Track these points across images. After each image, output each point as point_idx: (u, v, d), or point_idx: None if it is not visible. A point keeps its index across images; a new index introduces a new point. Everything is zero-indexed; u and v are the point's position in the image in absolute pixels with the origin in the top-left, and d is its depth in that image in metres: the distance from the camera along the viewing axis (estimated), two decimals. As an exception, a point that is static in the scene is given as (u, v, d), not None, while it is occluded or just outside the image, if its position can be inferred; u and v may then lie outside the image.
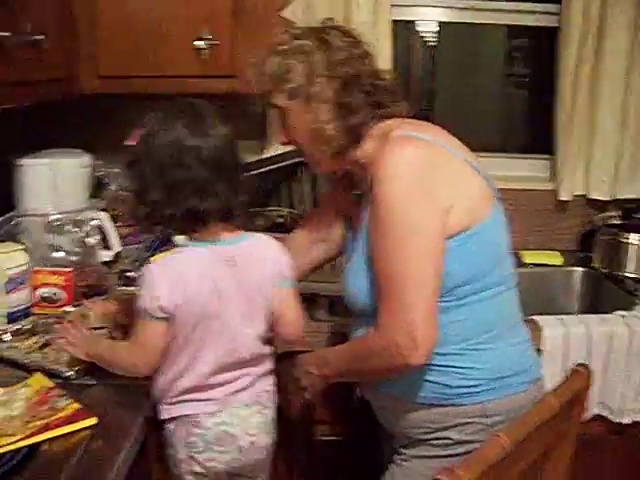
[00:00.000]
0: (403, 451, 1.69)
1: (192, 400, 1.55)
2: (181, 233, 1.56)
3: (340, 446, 1.97)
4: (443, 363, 1.57)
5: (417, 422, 1.63)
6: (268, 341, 1.64)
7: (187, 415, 1.55)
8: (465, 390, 1.57)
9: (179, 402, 1.56)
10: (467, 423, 1.58)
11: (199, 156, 1.47)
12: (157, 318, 1.47)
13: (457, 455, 1.56)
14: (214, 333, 1.52)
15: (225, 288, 1.51)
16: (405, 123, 1.66)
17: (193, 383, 1.54)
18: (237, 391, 1.58)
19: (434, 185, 1.52)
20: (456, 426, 1.58)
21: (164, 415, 1.57)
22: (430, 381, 1.58)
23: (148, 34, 2.20)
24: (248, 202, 1.57)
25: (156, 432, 1.61)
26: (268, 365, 1.65)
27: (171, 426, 1.58)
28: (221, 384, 1.56)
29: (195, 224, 1.52)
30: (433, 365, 1.56)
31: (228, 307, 1.52)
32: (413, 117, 1.69)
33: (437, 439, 1.61)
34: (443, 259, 1.51)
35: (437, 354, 1.54)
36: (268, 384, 1.66)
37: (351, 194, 1.79)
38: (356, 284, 1.66)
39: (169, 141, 1.48)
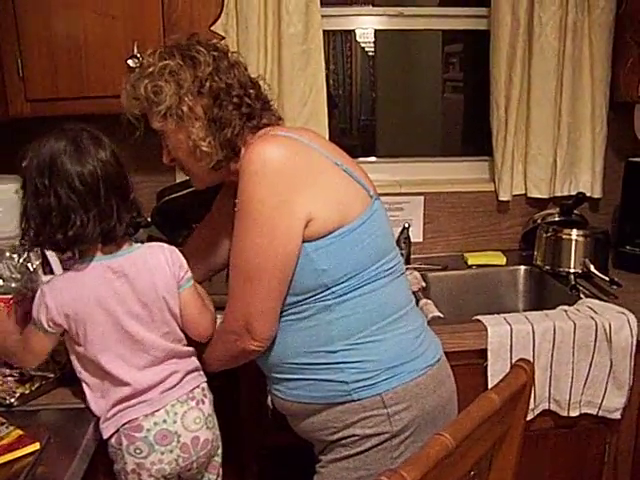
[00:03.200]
0: (320, 457, 1.73)
1: (128, 407, 1.61)
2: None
3: (291, 452, 1.97)
4: (335, 360, 1.61)
5: (321, 424, 1.67)
6: (187, 340, 1.73)
7: (128, 422, 1.60)
8: (361, 384, 1.61)
9: (117, 413, 1.60)
10: (368, 417, 1.61)
11: (70, 184, 1.51)
12: (46, 331, 1.56)
13: (365, 451, 1.62)
14: (119, 340, 1.59)
15: (118, 297, 1.58)
16: (279, 127, 1.73)
17: (124, 392, 1.60)
18: (169, 389, 1.65)
19: (293, 185, 1.55)
20: (359, 421, 1.62)
21: (107, 432, 1.61)
22: (325, 380, 1.63)
23: (76, 55, 2.17)
24: (136, 218, 1.64)
25: (103, 453, 1.62)
26: (194, 363, 1.74)
27: (114, 440, 1.62)
28: (152, 386, 1.63)
29: (69, 248, 1.59)
30: (325, 364, 1.62)
31: (125, 315, 1.59)
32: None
33: (344, 438, 1.64)
34: (292, 260, 1.57)
35: (328, 352, 1.61)
36: (200, 380, 1.73)
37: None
38: None
39: (43, 166, 1.52)
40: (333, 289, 1.59)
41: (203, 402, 1.70)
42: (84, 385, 1.63)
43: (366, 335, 1.62)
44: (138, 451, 1.60)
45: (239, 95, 1.66)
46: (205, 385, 1.74)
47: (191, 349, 1.73)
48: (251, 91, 1.70)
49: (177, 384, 1.66)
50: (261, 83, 1.77)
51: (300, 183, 1.56)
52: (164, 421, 1.62)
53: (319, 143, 1.67)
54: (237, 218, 1.60)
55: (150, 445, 1.60)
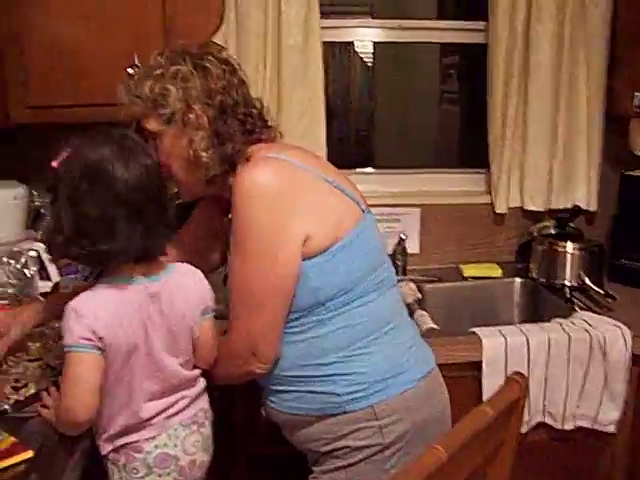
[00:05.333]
0: (313, 469, 1.73)
1: (131, 431, 1.55)
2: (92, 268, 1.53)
3: (284, 462, 1.96)
4: (328, 372, 1.62)
5: (314, 435, 1.68)
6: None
7: (128, 442, 1.55)
8: (353, 396, 1.61)
9: (119, 434, 1.55)
10: (360, 429, 1.62)
11: (118, 192, 1.42)
12: (89, 350, 1.42)
13: (357, 462, 1.63)
14: (142, 365, 1.52)
15: (150, 322, 1.51)
16: (270, 146, 1.70)
17: (131, 419, 1.53)
18: (174, 414, 1.60)
19: (289, 207, 1.56)
20: (351, 433, 1.62)
21: (105, 449, 1.56)
22: (318, 392, 1.63)
23: (78, 62, 2.17)
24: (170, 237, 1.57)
25: (95, 464, 1.59)
26: (202, 384, 1.68)
27: (111, 456, 1.57)
28: (159, 412, 1.57)
29: (101, 264, 1.51)
30: (318, 376, 1.63)
31: (153, 340, 1.52)
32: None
33: (336, 449, 1.65)
34: (293, 282, 1.57)
35: (321, 365, 1.62)
36: (204, 402, 1.69)
37: (226, 220, 1.79)
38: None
39: (88, 171, 1.43)
40: (327, 304, 1.60)
41: (204, 425, 1.66)
42: None
43: (358, 347, 1.62)
44: (135, 471, 1.55)
45: (244, 113, 1.66)
46: (208, 406, 1.69)
47: (198, 371, 1.68)
48: (253, 110, 1.70)
49: (183, 409, 1.61)
50: (263, 103, 1.77)
51: (295, 205, 1.56)
52: (165, 444, 1.57)
53: (309, 162, 1.67)
54: (234, 243, 1.60)
55: (148, 467, 1.55)
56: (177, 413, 1.60)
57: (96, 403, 1.45)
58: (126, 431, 1.54)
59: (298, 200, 1.57)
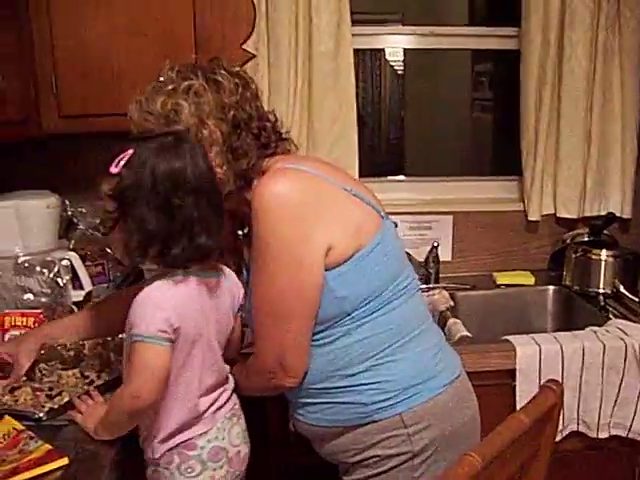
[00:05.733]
0: (343, 478, 1.72)
1: (185, 428, 1.56)
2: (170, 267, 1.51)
3: (316, 472, 1.96)
4: (354, 383, 1.61)
5: (343, 446, 1.67)
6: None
7: (182, 441, 1.56)
8: (381, 405, 1.60)
9: (174, 433, 1.55)
10: (389, 437, 1.60)
11: (202, 191, 1.46)
12: (162, 342, 1.43)
13: (387, 471, 1.62)
14: (202, 357, 1.54)
15: (209, 316, 1.54)
16: (286, 157, 1.69)
17: (188, 414, 1.55)
18: (220, 407, 1.62)
19: (310, 217, 1.54)
20: (380, 442, 1.61)
21: (159, 452, 1.56)
22: (345, 403, 1.62)
23: (110, 72, 2.19)
24: None
25: (132, 470, 1.60)
26: (233, 380, 1.71)
27: (163, 460, 1.56)
28: (209, 405, 1.59)
29: (194, 261, 1.50)
30: (344, 387, 1.62)
31: (211, 333, 1.55)
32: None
33: (366, 459, 1.64)
34: (318, 293, 1.56)
35: (347, 375, 1.61)
36: (236, 397, 1.71)
37: (240, 234, 1.79)
38: (250, 320, 1.71)
39: (172, 174, 1.44)
40: (353, 314, 1.59)
41: (241, 417, 1.68)
42: None
43: (384, 355, 1.61)
44: (190, 470, 1.55)
45: (258, 127, 1.64)
46: (239, 402, 1.71)
47: (229, 367, 1.70)
48: (267, 124, 1.67)
49: (226, 402, 1.64)
50: (277, 116, 1.74)
51: (316, 215, 1.55)
52: (216, 437, 1.58)
53: (326, 171, 1.65)
54: (257, 256, 1.59)
55: (202, 463, 1.56)
56: (222, 406, 1.62)
57: (163, 390, 1.47)
58: (181, 428, 1.55)
59: (321, 210, 1.56)
